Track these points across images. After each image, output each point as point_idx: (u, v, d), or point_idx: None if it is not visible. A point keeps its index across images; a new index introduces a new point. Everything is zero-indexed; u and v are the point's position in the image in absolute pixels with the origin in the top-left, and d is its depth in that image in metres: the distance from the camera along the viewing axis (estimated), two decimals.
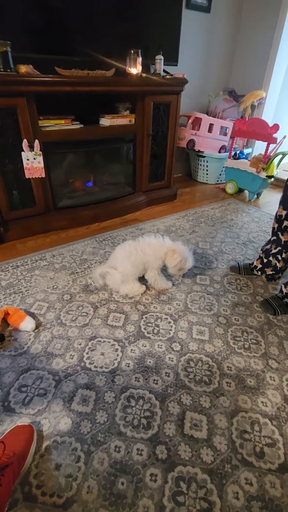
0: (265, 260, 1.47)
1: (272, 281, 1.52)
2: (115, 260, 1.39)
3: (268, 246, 1.44)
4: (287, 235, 1.31)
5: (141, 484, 0.77)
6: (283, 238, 1.33)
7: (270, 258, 1.43)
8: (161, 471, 0.79)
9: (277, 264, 1.40)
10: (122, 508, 0.73)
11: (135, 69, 1.86)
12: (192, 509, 0.73)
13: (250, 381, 1.03)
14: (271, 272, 1.46)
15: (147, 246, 1.38)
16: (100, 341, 1.17)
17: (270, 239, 1.42)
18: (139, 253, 1.37)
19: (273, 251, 1.40)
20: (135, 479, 0.78)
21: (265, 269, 1.48)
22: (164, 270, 1.46)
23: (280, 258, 1.38)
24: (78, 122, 1.83)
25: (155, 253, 1.37)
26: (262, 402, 0.97)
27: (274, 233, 1.37)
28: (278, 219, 1.30)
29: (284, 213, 1.26)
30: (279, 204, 1.28)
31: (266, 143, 2.29)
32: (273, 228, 1.36)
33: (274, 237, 1.37)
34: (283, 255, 1.37)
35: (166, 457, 0.82)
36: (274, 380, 1.04)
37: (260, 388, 1.01)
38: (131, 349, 1.14)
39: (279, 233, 1.33)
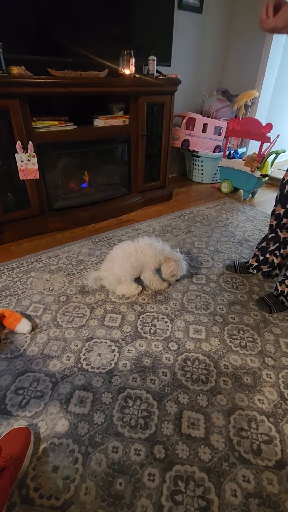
0: (261, 258, 1.47)
1: (268, 278, 1.52)
2: (113, 260, 1.39)
3: (264, 244, 1.44)
4: (286, 232, 1.31)
5: (139, 484, 0.77)
6: (282, 235, 1.33)
7: (267, 255, 1.43)
8: (159, 471, 0.79)
9: (275, 260, 1.41)
10: (120, 509, 0.73)
11: (128, 70, 1.86)
12: (190, 507, 0.73)
13: (247, 379, 1.04)
14: (267, 269, 1.46)
15: (147, 248, 1.38)
16: (96, 342, 1.17)
17: (266, 236, 1.42)
18: (138, 254, 1.37)
19: (271, 247, 1.40)
20: (133, 479, 0.78)
21: (261, 266, 1.48)
22: (157, 271, 1.46)
23: (278, 254, 1.38)
24: (72, 123, 1.82)
25: (155, 255, 1.38)
26: (258, 399, 0.97)
27: (272, 230, 1.36)
28: (277, 217, 1.30)
29: (282, 211, 1.26)
30: (276, 203, 1.28)
31: (260, 142, 2.31)
32: (271, 225, 1.36)
33: (273, 234, 1.37)
34: (281, 251, 1.37)
35: (164, 457, 0.82)
36: (270, 378, 1.05)
37: (257, 385, 1.02)
38: (128, 350, 1.14)
39: (278, 230, 1.33)
